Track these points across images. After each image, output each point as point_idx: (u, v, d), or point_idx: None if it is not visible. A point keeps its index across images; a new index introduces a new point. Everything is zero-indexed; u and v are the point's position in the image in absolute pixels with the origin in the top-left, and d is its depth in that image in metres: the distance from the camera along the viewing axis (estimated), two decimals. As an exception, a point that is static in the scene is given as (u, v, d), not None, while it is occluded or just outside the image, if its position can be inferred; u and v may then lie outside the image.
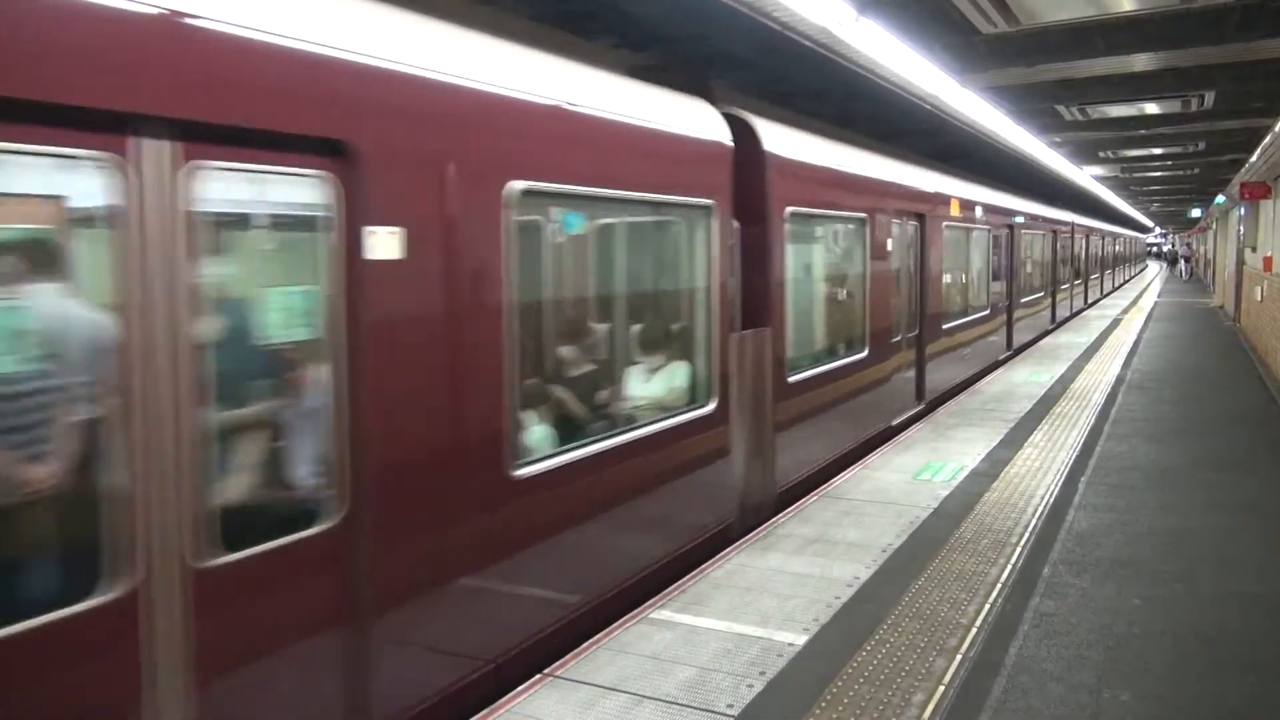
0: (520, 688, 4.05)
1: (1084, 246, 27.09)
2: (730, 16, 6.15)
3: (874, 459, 8.24)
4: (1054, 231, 20.79)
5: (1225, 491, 7.28)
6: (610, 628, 4.67)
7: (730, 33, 6.75)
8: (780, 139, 7.02)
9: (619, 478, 5.14)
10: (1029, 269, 18.19)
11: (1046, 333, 19.57)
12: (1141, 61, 9.93)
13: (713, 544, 5.95)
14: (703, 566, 5.54)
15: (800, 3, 6.05)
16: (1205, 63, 9.87)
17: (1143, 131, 16.11)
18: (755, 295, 6.66)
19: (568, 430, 5.08)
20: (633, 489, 5.28)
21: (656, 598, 5.06)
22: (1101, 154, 20.08)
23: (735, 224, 6.33)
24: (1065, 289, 23.13)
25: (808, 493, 7.08)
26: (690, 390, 5.94)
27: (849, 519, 6.43)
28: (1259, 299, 16.58)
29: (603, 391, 5.72)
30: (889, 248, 9.46)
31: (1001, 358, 15.16)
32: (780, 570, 5.45)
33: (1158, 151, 20.31)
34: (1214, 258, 34.17)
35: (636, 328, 6.16)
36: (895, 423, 9.69)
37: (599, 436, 5.07)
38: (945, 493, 7.09)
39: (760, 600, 5.00)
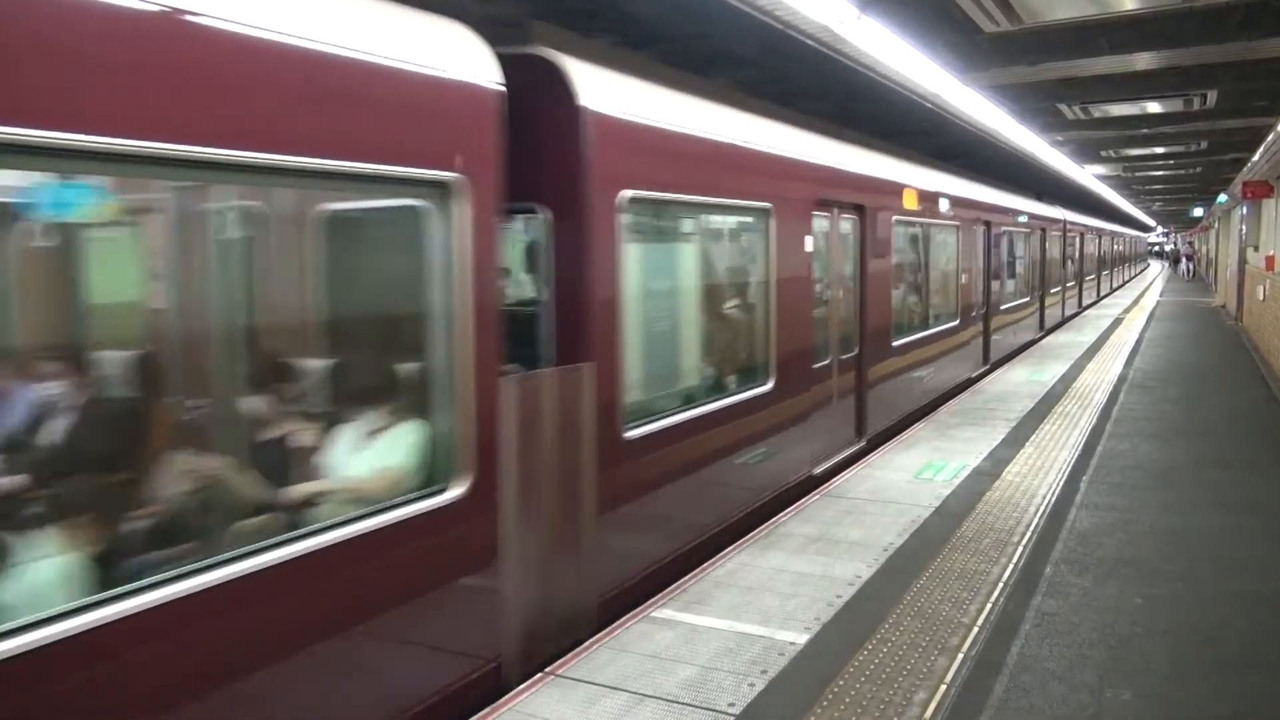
0: (521, 686, 4.05)
1: (1078, 246, 25.21)
2: (732, 16, 6.14)
3: (875, 458, 8.24)
4: (1042, 230, 18.99)
5: (1227, 490, 7.27)
6: (611, 626, 4.67)
7: (731, 32, 6.75)
8: (613, 92, 5.06)
9: (247, 633, 3.10)
10: (1011, 271, 16.39)
11: (1033, 342, 17.87)
12: (1144, 60, 9.92)
13: (467, 699, 3.98)
14: (703, 566, 5.53)
15: (802, 1, 6.04)
16: (1207, 62, 9.87)
17: (1145, 130, 16.11)
18: (572, 317, 4.76)
19: (144, 553, 3.11)
20: (284, 646, 3.25)
21: (658, 596, 5.06)
22: (1103, 153, 20.08)
23: (544, 215, 4.73)
24: (1055, 293, 21.18)
25: (675, 580, 5.29)
26: (421, 468, 3.92)
27: (850, 518, 6.43)
28: (1261, 298, 16.57)
29: (224, 479, 3.56)
30: (807, 247, 7.41)
31: (975, 374, 13.31)
32: (782, 569, 5.45)
33: (1160, 150, 20.30)
34: (1216, 257, 34.15)
35: (321, 371, 4.19)
36: (820, 470, 7.73)
37: (192, 567, 2.95)
38: (947, 492, 7.09)
39: (762, 599, 5.00)
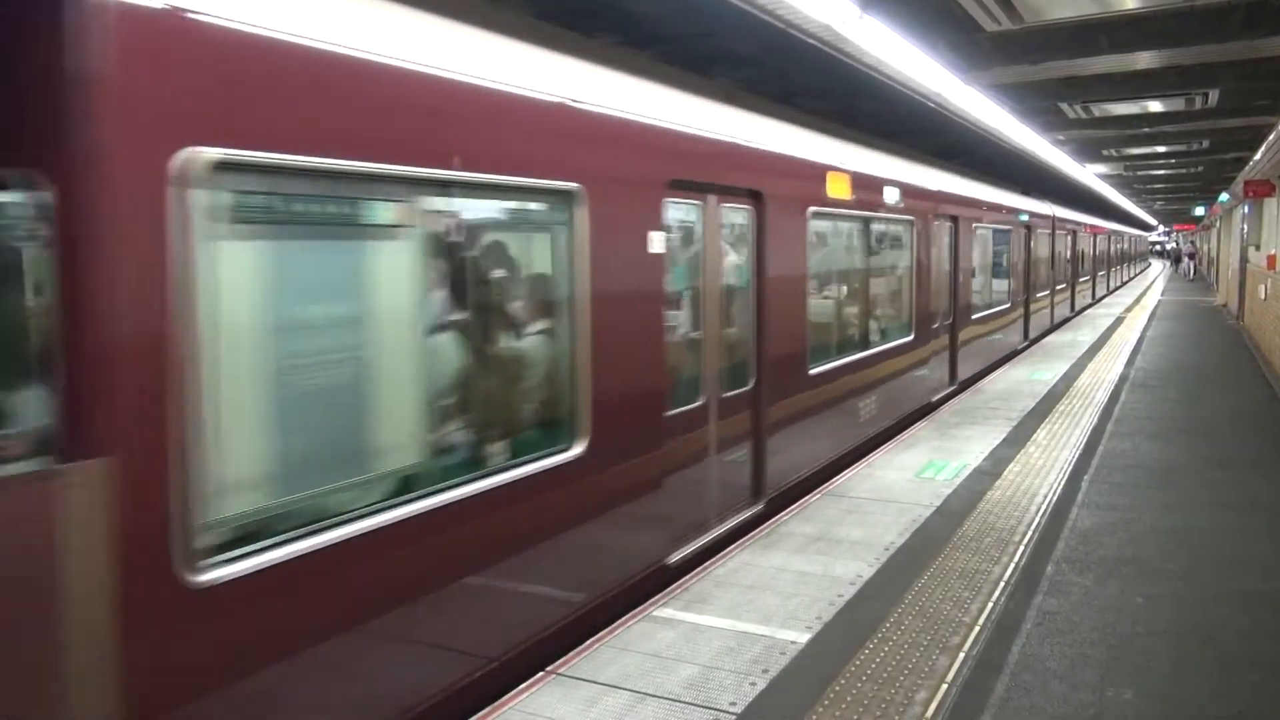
0: (523, 685, 4.06)
1: (1069, 245, 22.92)
2: (734, 15, 6.15)
3: (876, 457, 8.24)
4: (1028, 227, 16.86)
5: (1228, 490, 7.27)
6: (613, 625, 4.68)
7: (734, 31, 6.76)
8: None
9: None
10: (987, 274, 14.32)
11: (1015, 353, 15.79)
12: (1145, 59, 9.93)
13: None
14: (705, 565, 5.54)
15: (804, 1, 6.04)
16: (1209, 61, 9.87)
17: (1146, 130, 16.12)
18: (78, 372, 2.72)
19: None
20: None
21: (659, 595, 5.06)
22: (1105, 152, 20.09)
23: (32, 189, 2.71)
24: (1043, 297, 19.04)
25: None
26: None
27: (852, 517, 6.43)
28: (1263, 297, 16.56)
29: None
30: (653, 247, 5.25)
31: (937, 398, 11.25)
32: (783, 568, 5.45)
33: (1161, 149, 20.32)
34: (1217, 256, 34.13)
35: None
36: (680, 557, 5.58)
37: None
38: (948, 491, 7.09)
39: (763, 598, 5.00)
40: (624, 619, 4.76)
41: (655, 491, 5.41)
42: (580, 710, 3.84)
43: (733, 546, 5.86)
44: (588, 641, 4.49)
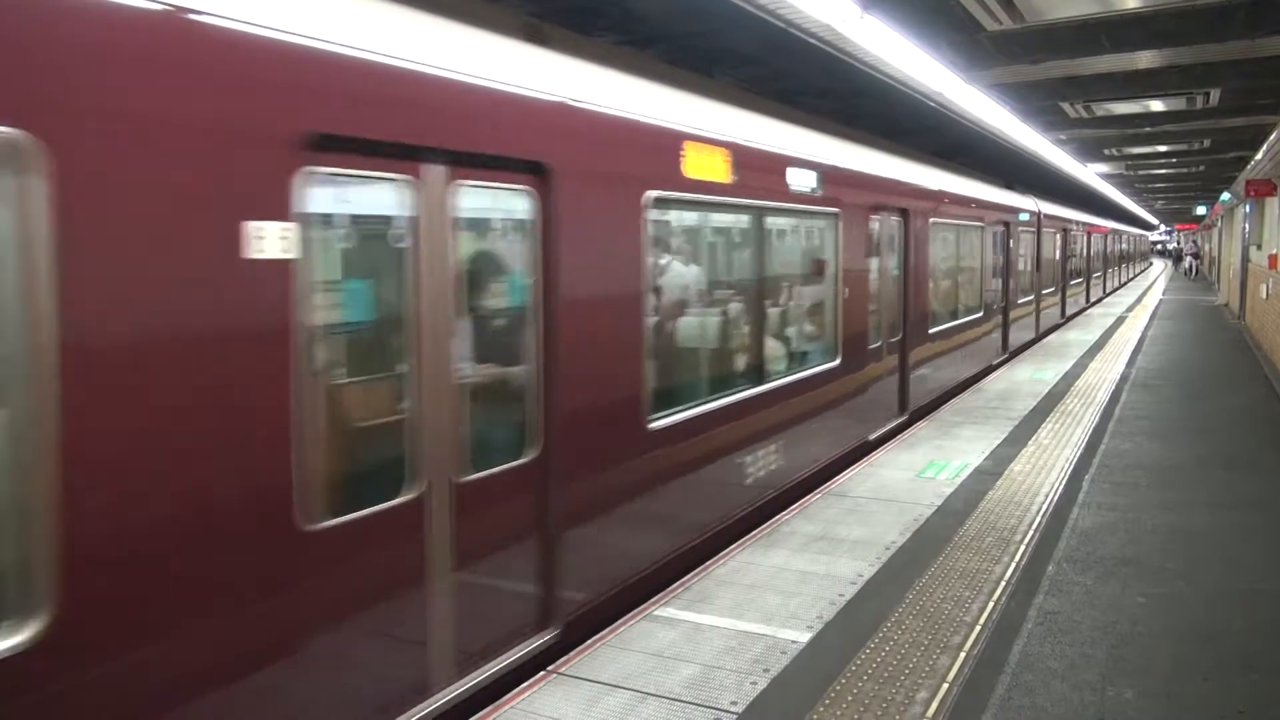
0: (524, 684, 4.06)
1: (1058, 244, 20.77)
2: (735, 14, 6.15)
3: (878, 456, 8.24)
4: (1006, 224, 14.70)
5: (1229, 489, 7.27)
6: (614, 625, 4.68)
7: (735, 30, 6.76)
8: None
9: None
10: (954, 279, 12.30)
11: (990, 369, 13.88)
12: (1146, 59, 9.93)
13: None
14: (705, 564, 5.54)
15: (804, 0, 6.04)
16: (1210, 60, 9.88)
17: (1148, 129, 16.12)
18: None
19: None
20: None
21: (660, 595, 5.07)
22: (1106, 151, 20.09)
23: None
24: (1026, 303, 16.96)
25: None
26: None
27: (853, 516, 6.43)
28: (1264, 296, 16.55)
29: None
30: (257, 248, 3.01)
31: (876, 436, 9.05)
32: (784, 568, 5.45)
33: (1163, 149, 20.32)
34: (1219, 255, 34.12)
35: None
36: None
37: None
38: (949, 490, 7.09)
39: (764, 597, 5.01)
40: (624, 618, 4.76)
41: (273, 667, 3.18)
42: (581, 709, 3.85)
43: (733, 545, 5.86)
44: (588, 641, 4.50)
